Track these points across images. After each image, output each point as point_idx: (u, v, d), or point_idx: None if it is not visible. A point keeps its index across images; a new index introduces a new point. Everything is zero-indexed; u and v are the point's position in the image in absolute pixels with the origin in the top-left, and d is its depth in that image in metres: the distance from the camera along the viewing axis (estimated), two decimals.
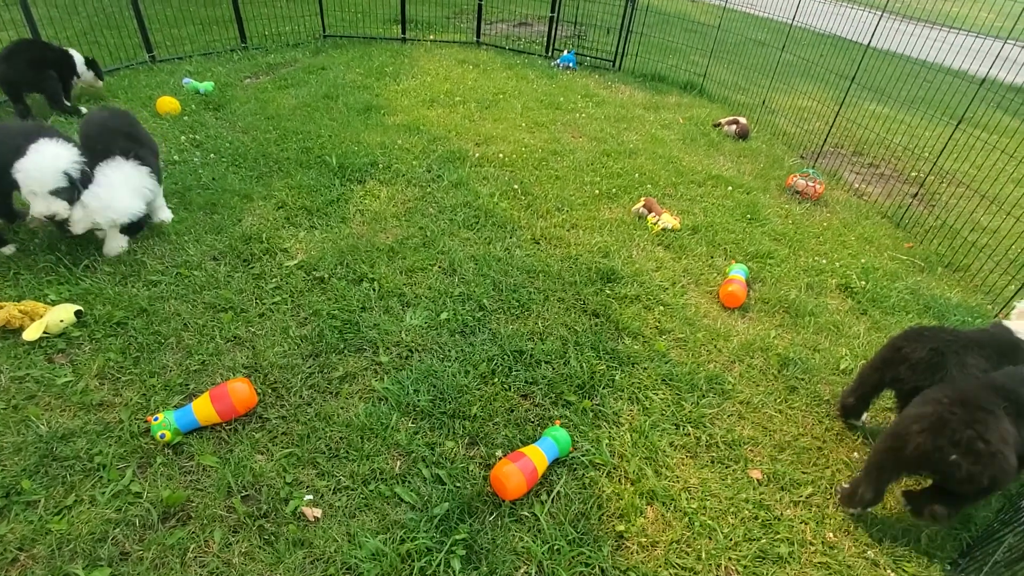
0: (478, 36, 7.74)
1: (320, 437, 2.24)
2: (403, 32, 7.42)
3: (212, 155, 4.07)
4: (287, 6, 7.99)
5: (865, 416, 2.62)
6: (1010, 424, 1.95)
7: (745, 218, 4.22)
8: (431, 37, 7.66)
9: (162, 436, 2.10)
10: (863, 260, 3.93)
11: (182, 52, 5.94)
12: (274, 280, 2.99)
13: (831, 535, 2.16)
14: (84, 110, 4.41)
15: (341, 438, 2.24)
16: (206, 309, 2.75)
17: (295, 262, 3.12)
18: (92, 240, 3.02)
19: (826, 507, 2.25)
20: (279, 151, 4.21)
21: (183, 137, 4.25)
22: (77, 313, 2.54)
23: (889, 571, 2.08)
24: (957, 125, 4.19)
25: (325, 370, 2.53)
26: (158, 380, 2.37)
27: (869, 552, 2.12)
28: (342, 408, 2.36)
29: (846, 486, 2.26)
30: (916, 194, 4.81)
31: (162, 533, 1.86)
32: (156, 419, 2.12)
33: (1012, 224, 4.07)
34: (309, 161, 4.12)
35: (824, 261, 3.85)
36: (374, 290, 3.01)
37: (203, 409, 2.16)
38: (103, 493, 1.94)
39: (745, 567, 2.01)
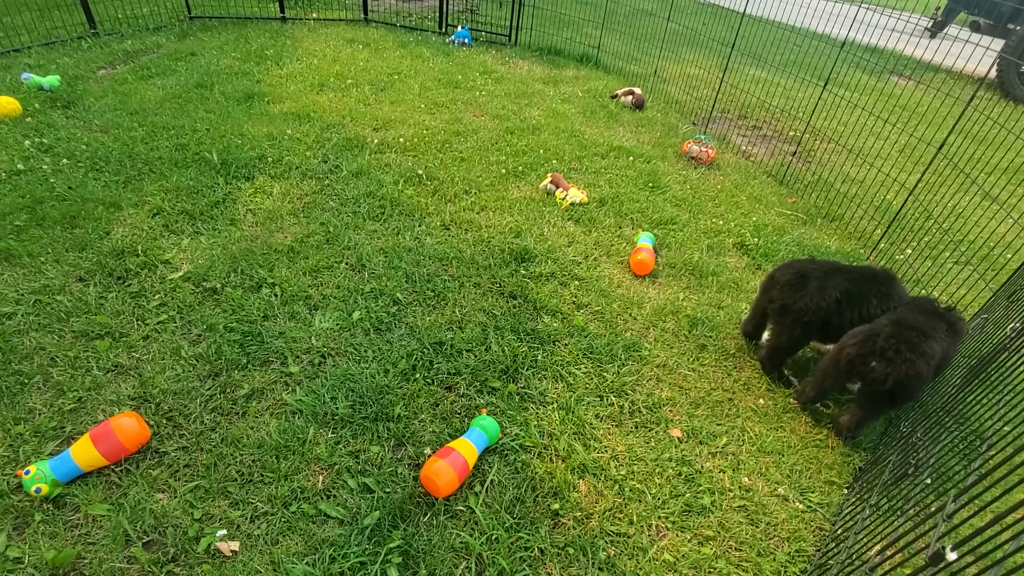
0: (365, 13, 7.34)
1: (229, 463, 2.06)
2: (281, 11, 6.87)
3: (65, 160, 3.56)
4: None
5: (765, 335, 2.92)
6: (937, 344, 2.27)
7: (648, 187, 4.36)
8: (314, 15, 7.16)
9: (37, 491, 1.83)
10: (754, 218, 4.20)
11: (18, 43, 5.13)
12: (157, 297, 2.68)
13: (746, 479, 2.32)
14: None
15: (254, 461, 2.08)
16: (77, 338, 2.42)
17: (180, 274, 2.82)
18: None
19: (740, 454, 2.41)
20: (148, 151, 3.76)
21: (27, 142, 3.69)
22: None
23: (797, 503, 2.27)
24: (824, 86, 4.56)
25: (228, 389, 2.32)
26: (25, 427, 2.06)
27: (779, 489, 2.31)
28: (252, 428, 2.19)
29: (799, 385, 2.68)
30: (795, 152, 5.21)
31: None
32: (28, 472, 1.84)
33: (875, 174, 4.52)
34: (186, 159, 3.73)
35: (721, 222, 4.07)
36: (276, 296, 2.79)
37: (84, 453, 1.90)
38: None
39: (674, 522, 2.11)
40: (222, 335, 2.52)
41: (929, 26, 9.96)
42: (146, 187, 3.42)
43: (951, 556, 1.06)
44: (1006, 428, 1.77)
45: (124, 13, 6.03)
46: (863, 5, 4.73)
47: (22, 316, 2.48)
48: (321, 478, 2.07)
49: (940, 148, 3.55)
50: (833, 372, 2.44)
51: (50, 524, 1.81)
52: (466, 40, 7.07)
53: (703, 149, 4.90)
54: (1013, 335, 2.19)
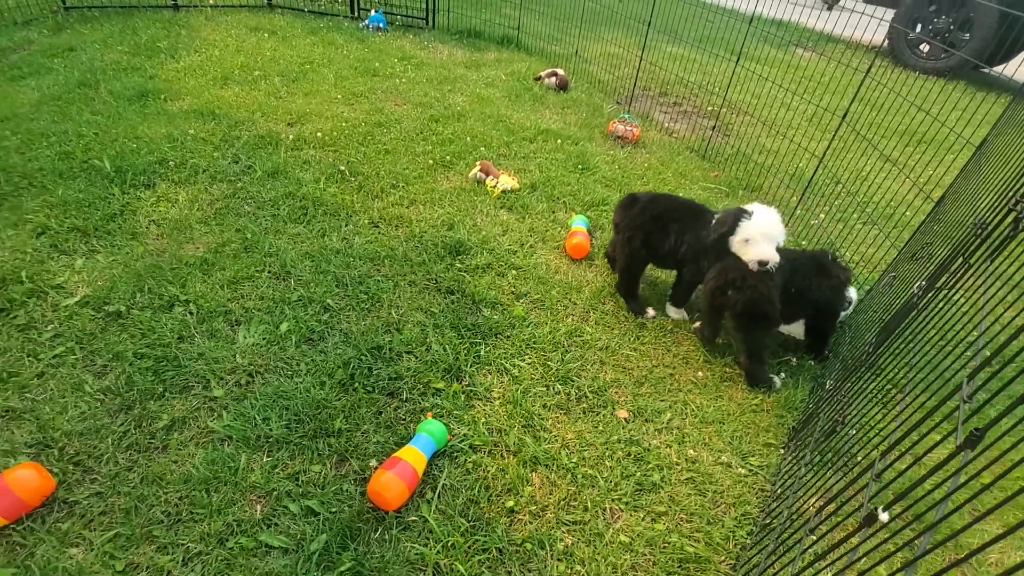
0: None
1: (152, 504, 1.87)
2: None
3: None
4: None
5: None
6: (775, 279, 2.74)
7: (578, 169, 4.37)
8: (211, 2, 6.62)
9: None
10: (681, 193, 4.31)
11: None
12: (51, 327, 2.40)
13: (691, 451, 2.38)
14: None
15: (181, 498, 1.91)
16: None
17: (76, 299, 2.53)
18: None
19: (684, 427, 2.48)
20: (25, 162, 3.34)
21: None
22: None
23: (740, 468, 2.36)
24: (737, 61, 4.71)
25: (144, 423, 2.11)
26: None
27: (723, 457, 2.39)
28: (175, 463, 2.00)
29: (698, 328, 2.97)
30: (714, 127, 5.39)
31: None
32: None
33: (787, 144, 4.75)
34: (72, 169, 3.34)
35: None
36: (191, 314, 2.57)
37: None
38: None
39: (627, 503, 2.14)
40: (131, 363, 2.29)
41: None
42: (26, 203, 3.04)
43: (883, 517, 1.10)
44: (919, 376, 1.90)
45: None
46: None
47: None
48: (259, 507, 1.93)
49: (844, 117, 3.76)
50: (709, 308, 2.79)
51: None
52: (381, 25, 6.78)
53: (628, 128, 4.96)
54: (920, 292, 2.36)
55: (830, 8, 6.51)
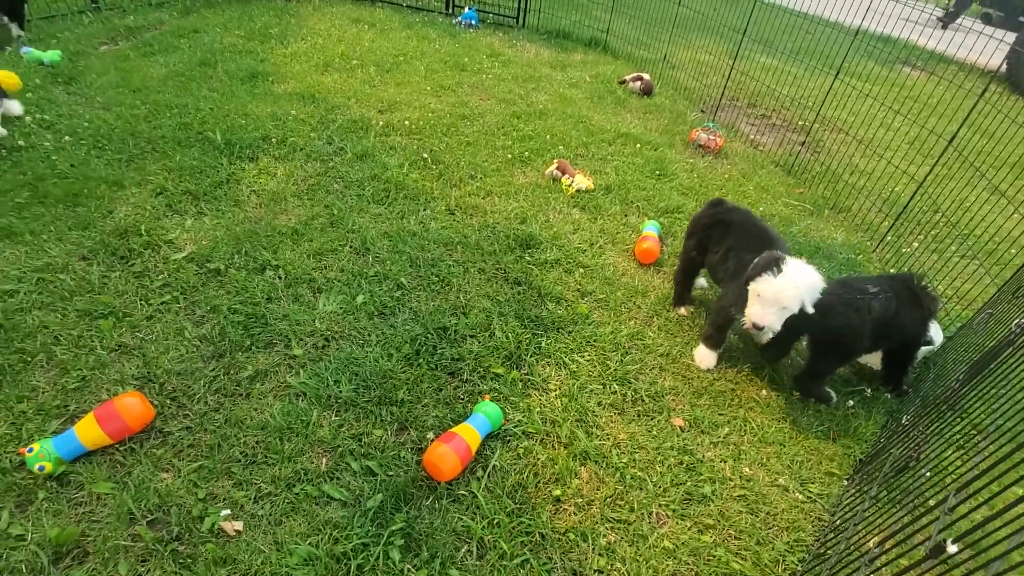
0: None
1: (233, 444, 2.06)
2: None
3: (67, 138, 3.53)
4: None
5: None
6: (874, 311, 2.56)
7: (654, 174, 4.32)
8: None
9: (41, 468, 1.84)
10: (761, 208, 4.17)
11: None
12: (160, 277, 2.67)
13: (747, 469, 2.33)
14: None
15: (257, 442, 2.08)
16: (80, 317, 2.42)
17: (184, 255, 2.81)
18: None
19: (742, 444, 2.42)
20: (151, 129, 3.72)
21: (28, 118, 3.65)
22: None
23: (797, 493, 2.28)
24: (836, 75, 4.49)
25: (231, 371, 2.32)
26: (28, 405, 2.06)
27: (780, 479, 2.31)
28: (255, 410, 2.19)
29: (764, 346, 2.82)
30: (804, 142, 5.16)
31: None
32: (31, 450, 1.85)
33: (884, 166, 4.48)
34: (189, 139, 3.69)
35: None
36: (280, 278, 2.78)
37: (88, 432, 1.91)
38: None
39: (674, 510, 2.12)
40: (226, 316, 2.52)
41: (941, 16, 9.81)
42: (149, 166, 3.39)
43: (952, 549, 1.06)
44: (1007, 424, 1.77)
45: None
46: None
47: (24, 294, 2.47)
48: (324, 460, 2.07)
49: (951, 141, 3.51)
50: (714, 323, 2.74)
51: (53, 502, 1.82)
52: (473, 22, 6.97)
53: (711, 137, 4.85)
54: (1018, 331, 2.18)
55: (945, 27, 6.06)
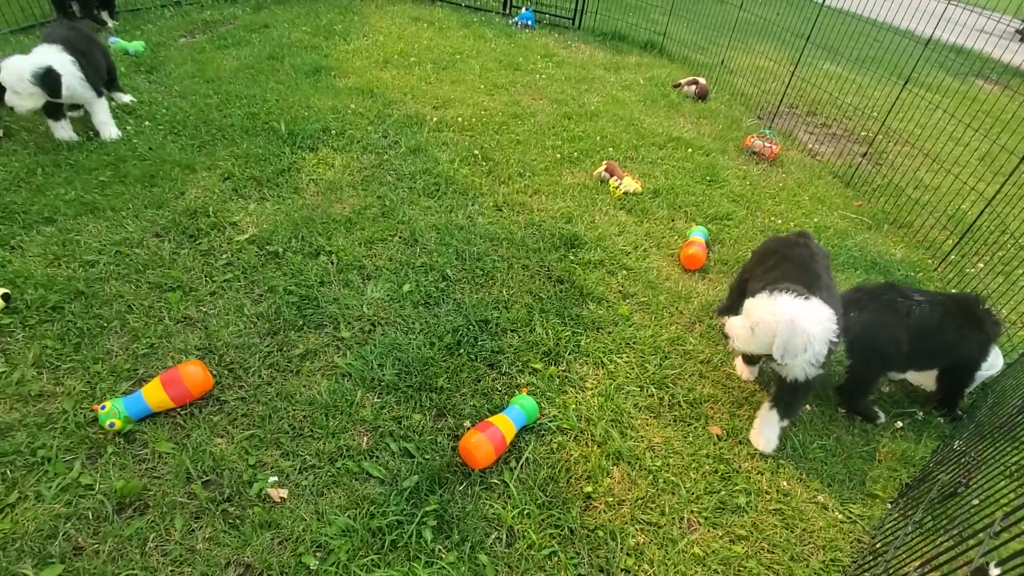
0: None
1: (282, 417, 2.18)
2: None
3: (147, 123, 3.79)
4: None
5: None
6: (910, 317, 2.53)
7: (705, 180, 4.26)
8: None
9: (111, 425, 2.00)
10: (816, 219, 4.04)
11: None
12: (224, 256, 2.84)
13: (785, 484, 2.28)
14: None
15: (304, 417, 2.20)
16: (151, 289, 2.60)
17: (246, 236, 2.98)
18: (15, 220, 2.80)
19: (780, 458, 2.37)
20: (222, 117, 3.95)
21: (113, 103, 3.93)
22: (4, 296, 2.36)
23: (837, 513, 2.22)
24: (904, 85, 4.30)
25: (284, 348, 2.45)
26: (103, 366, 2.24)
27: (819, 497, 2.26)
28: (304, 386, 2.31)
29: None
30: (865, 153, 4.96)
31: (118, 524, 1.79)
32: (103, 407, 2.01)
33: (951, 181, 4.26)
34: (255, 128, 3.89)
35: (780, 221, 3.94)
36: (332, 263, 2.91)
37: (154, 395, 2.06)
38: (49, 488, 1.84)
39: (706, 518, 2.11)
40: (281, 297, 2.66)
41: (1020, 28, 9.16)
42: (218, 152, 3.60)
43: (994, 573, 1.03)
44: None
45: None
46: (951, 2, 4.42)
47: (104, 265, 2.68)
48: (365, 439, 2.16)
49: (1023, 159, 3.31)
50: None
51: (120, 456, 1.97)
52: (529, 22, 7.03)
53: (767, 144, 4.73)
54: None
55: None
